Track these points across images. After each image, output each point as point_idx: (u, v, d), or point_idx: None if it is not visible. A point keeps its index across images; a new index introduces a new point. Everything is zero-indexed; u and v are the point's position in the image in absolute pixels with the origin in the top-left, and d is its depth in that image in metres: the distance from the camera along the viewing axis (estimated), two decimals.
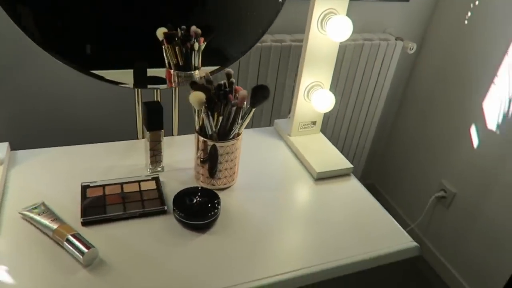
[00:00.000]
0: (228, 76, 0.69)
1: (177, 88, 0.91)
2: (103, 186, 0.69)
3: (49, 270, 0.55)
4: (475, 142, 1.36)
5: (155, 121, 0.71)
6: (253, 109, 0.69)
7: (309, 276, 0.60)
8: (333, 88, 1.33)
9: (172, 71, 0.88)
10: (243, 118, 0.69)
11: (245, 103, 0.67)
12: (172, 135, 0.92)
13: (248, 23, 0.92)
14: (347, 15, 0.76)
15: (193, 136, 0.71)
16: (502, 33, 1.23)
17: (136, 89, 0.86)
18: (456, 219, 1.45)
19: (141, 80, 0.87)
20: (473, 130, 1.37)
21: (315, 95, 0.85)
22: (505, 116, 1.25)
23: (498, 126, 1.27)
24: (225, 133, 0.69)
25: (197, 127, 0.70)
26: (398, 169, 1.73)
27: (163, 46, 0.85)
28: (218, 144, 0.69)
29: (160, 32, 0.83)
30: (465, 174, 1.41)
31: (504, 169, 1.26)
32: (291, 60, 1.25)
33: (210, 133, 0.68)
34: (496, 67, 1.26)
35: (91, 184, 0.69)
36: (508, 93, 1.23)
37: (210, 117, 0.66)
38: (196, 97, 0.64)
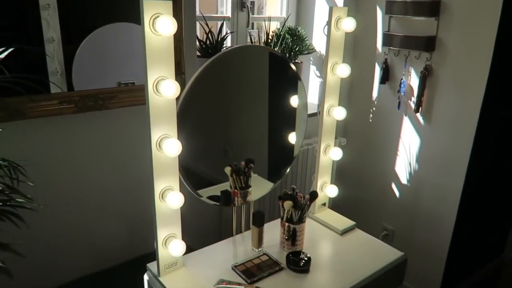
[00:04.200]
0: (293, 189, 1.32)
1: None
2: (244, 263, 1.24)
3: None
4: (397, 193, 2.15)
5: (260, 221, 1.30)
6: (314, 204, 1.32)
7: None
8: None
9: (237, 191, 1.47)
10: (305, 212, 1.32)
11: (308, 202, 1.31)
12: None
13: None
14: None
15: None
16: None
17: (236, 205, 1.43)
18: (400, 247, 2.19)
19: (226, 201, 1.44)
20: (393, 185, 2.16)
21: None
22: (412, 172, 2.06)
23: (409, 180, 2.08)
24: (299, 219, 1.30)
25: (284, 219, 1.30)
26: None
27: (231, 177, 1.44)
28: (297, 226, 1.30)
29: (228, 169, 1.43)
30: (397, 214, 2.17)
31: (422, 204, 2.05)
32: None
33: (295, 220, 1.29)
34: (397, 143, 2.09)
35: (235, 265, 1.23)
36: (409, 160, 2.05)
37: (294, 212, 1.28)
38: (288, 203, 1.26)
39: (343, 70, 1.35)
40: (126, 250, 1.75)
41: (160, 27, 0.92)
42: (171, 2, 0.95)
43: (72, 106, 1.44)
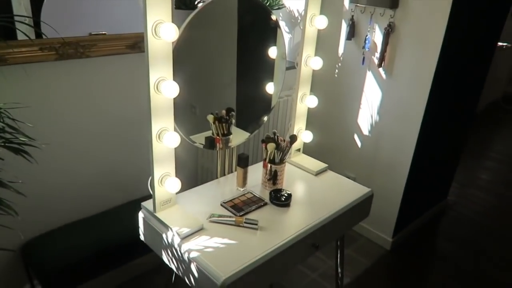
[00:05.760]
0: (274, 133, 1.43)
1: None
2: (231, 200, 1.35)
3: (241, 236, 1.20)
4: (359, 143, 2.33)
5: (245, 162, 1.40)
6: (291, 148, 1.44)
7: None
8: None
9: (220, 137, 1.56)
10: (286, 153, 1.43)
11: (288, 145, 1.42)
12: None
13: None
14: None
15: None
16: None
17: (219, 150, 1.51)
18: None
19: (210, 146, 1.52)
20: (355, 136, 2.34)
21: None
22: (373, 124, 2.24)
23: (370, 131, 2.26)
24: (281, 160, 1.42)
25: (267, 160, 1.41)
26: None
27: (213, 124, 1.52)
28: (278, 167, 1.42)
29: (210, 117, 1.51)
30: (358, 163, 2.37)
31: (381, 154, 2.25)
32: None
33: (277, 161, 1.40)
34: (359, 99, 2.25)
35: (224, 201, 1.34)
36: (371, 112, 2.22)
37: (276, 153, 1.39)
38: (271, 145, 1.36)
39: (321, 22, 1.44)
40: (109, 197, 1.81)
41: None
42: None
43: (54, 53, 1.44)
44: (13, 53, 1.33)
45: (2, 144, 0.99)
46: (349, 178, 1.62)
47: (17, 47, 1.32)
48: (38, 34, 1.43)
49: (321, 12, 1.46)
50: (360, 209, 1.48)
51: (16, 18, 1.36)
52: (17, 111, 1.09)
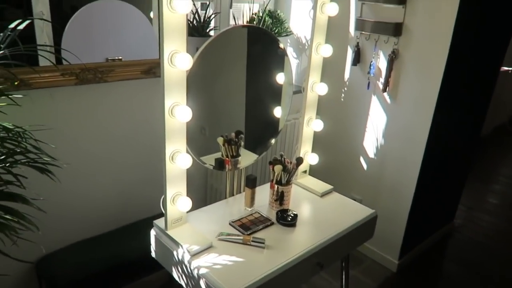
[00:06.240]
0: (281, 155, 1.49)
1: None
2: (239, 219, 1.40)
3: (249, 254, 1.25)
4: (365, 165, 2.38)
5: (253, 183, 1.46)
6: (298, 170, 1.50)
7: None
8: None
9: (229, 159, 1.62)
10: (292, 175, 1.49)
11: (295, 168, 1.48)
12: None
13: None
14: None
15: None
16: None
17: (228, 171, 1.57)
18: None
19: (220, 167, 1.59)
20: (361, 159, 2.39)
21: None
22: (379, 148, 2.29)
23: (375, 154, 2.31)
24: (287, 181, 1.48)
25: (274, 181, 1.47)
26: None
27: (223, 146, 1.59)
28: (285, 188, 1.47)
29: (220, 139, 1.58)
30: (364, 185, 2.41)
31: (386, 176, 2.29)
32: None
33: (284, 182, 1.46)
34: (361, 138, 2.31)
35: (232, 221, 1.39)
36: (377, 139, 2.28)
37: (283, 174, 1.45)
38: (279, 167, 1.42)
39: (326, 50, 1.52)
40: (122, 215, 1.87)
41: (177, 5, 1.04)
42: None
43: (74, 78, 1.53)
44: (38, 78, 1.42)
45: (27, 163, 1.06)
46: (355, 200, 1.66)
47: (41, 73, 1.41)
48: (59, 60, 1.53)
49: (328, 39, 1.54)
50: (364, 230, 1.52)
51: (39, 47, 1.45)
52: (40, 132, 1.17)
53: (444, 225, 2.77)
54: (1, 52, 1.05)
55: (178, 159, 1.20)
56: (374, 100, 2.25)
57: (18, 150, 1.03)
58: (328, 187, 1.68)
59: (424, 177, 2.18)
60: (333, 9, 1.45)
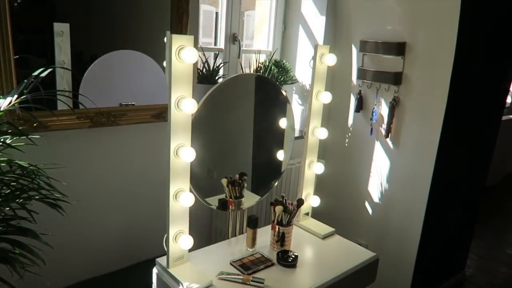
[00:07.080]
0: (283, 197, 1.53)
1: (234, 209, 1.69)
2: (240, 259, 1.42)
3: None
4: (370, 210, 2.39)
5: (254, 223, 1.49)
6: (299, 211, 1.53)
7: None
8: None
9: (232, 200, 1.67)
10: (293, 216, 1.53)
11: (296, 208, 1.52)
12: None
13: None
14: None
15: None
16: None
17: (231, 212, 1.62)
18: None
19: (223, 208, 1.63)
20: (366, 204, 2.40)
21: None
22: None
23: (380, 199, 2.33)
24: (288, 222, 1.51)
25: (275, 222, 1.51)
26: None
27: (227, 188, 1.64)
28: (286, 228, 1.50)
29: (224, 181, 1.63)
30: (369, 230, 2.40)
31: (391, 220, 2.29)
32: None
33: (285, 223, 1.49)
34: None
35: (233, 260, 1.42)
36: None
37: (284, 215, 1.49)
38: (279, 208, 1.46)
39: (326, 97, 1.60)
40: (127, 254, 1.90)
41: (184, 56, 1.15)
42: (193, 36, 1.18)
43: (88, 121, 1.63)
44: (55, 120, 1.52)
45: (39, 199, 1.13)
46: (361, 245, 1.67)
47: (59, 116, 1.52)
48: (76, 104, 1.64)
49: (332, 87, 1.64)
50: (365, 273, 1.52)
51: (58, 92, 1.57)
52: (54, 170, 1.25)
53: (454, 275, 2.71)
54: (24, 96, 1.15)
55: (181, 198, 1.26)
56: (377, 145, 2.31)
57: (32, 187, 1.10)
58: (330, 229, 1.70)
59: (430, 223, 2.18)
60: (331, 60, 1.55)
